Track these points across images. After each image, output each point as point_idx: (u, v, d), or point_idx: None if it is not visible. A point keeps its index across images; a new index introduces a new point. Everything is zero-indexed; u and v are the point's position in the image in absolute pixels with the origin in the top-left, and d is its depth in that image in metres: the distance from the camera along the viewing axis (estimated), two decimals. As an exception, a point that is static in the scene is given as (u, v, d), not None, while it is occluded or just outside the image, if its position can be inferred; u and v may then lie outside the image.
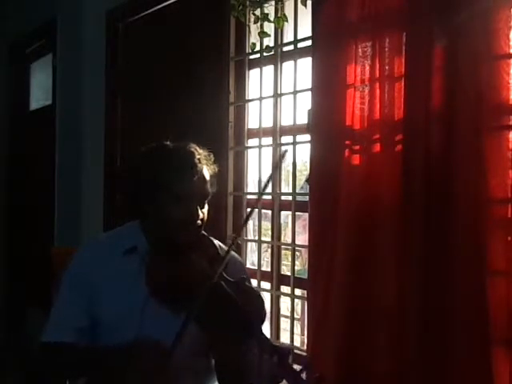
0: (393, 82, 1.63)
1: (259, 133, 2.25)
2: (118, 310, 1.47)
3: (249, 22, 2.18)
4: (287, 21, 2.07)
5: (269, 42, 2.20)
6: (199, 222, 1.47)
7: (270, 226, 2.26)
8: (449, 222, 1.50)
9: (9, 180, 4.14)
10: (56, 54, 3.38)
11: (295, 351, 2.04)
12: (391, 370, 1.58)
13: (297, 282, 2.10)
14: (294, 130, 2.10)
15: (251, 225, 2.47)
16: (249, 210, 2.25)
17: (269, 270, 2.25)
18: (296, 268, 2.16)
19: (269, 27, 2.14)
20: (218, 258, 1.40)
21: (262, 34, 2.14)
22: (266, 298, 2.17)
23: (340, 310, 1.70)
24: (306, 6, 1.96)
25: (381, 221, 1.64)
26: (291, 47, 2.13)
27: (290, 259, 2.14)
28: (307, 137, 1.96)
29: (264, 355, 1.14)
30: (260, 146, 2.25)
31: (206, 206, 1.50)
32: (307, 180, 2.04)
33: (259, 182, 2.24)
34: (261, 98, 2.25)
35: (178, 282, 1.36)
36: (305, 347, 1.94)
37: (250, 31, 2.24)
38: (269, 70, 2.23)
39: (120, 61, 2.99)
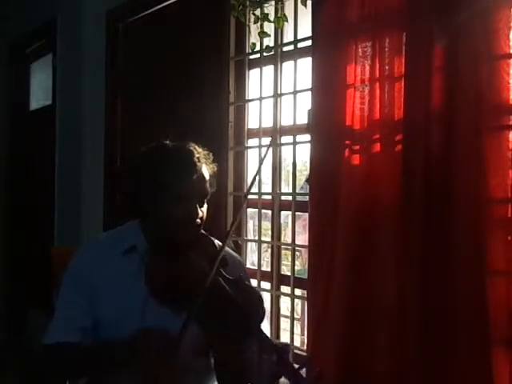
0: (393, 82, 1.63)
1: (259, 133, 2.25)
2: (118, 309, 1.47)
3: (249, 21, 2.18)
4: (287, 21, 2.07)
5: (269, 41, 2.20)
6: (198, 220, 1.46)
7: (270, 226, 2.26)
8: (449, 222, 1.50)
9: (9, 180, 4.14)
10: (56, 54, 3.38)
11: (295, 351, 2.04)
12: (391, 370, 1.58)
13: (297, 282, 2.10)
14: (294, 130, 2.10)
15: (251, 225, 2.47)
16: (249, 210, 2.25)
17: (269, 269, 2.25)
18: (296, 268, 2.16)
19: (269, 27, 2.14)
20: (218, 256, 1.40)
21: (262, 34, 2.14)
22: (266, 298, 2.17)
23: (340, 310, 1.70)
24: (305, 5, 1.96)
25: (381, 221, 1.64)
26: (291, 47, 2.12)
27: (289, 259, 2.13)
28: (307, 137, 1.96)
29: (263, 353, 1.14)
30: (260, 146, 2.24)
31: (206, 205, 1.50)
32: (307, 180, 2.04)
33: (259, 182, 2.24)
34: (261, 98, 2.24)
35: (178, 281, 1.36)
36: (305, 347, 1.94)
37: (249, 31, 2.24)
38: (269, 70, 2.23)
39: (120, 61, 2.99)
